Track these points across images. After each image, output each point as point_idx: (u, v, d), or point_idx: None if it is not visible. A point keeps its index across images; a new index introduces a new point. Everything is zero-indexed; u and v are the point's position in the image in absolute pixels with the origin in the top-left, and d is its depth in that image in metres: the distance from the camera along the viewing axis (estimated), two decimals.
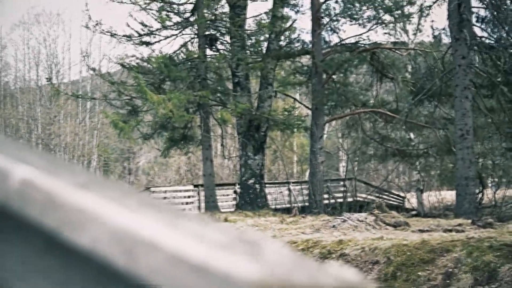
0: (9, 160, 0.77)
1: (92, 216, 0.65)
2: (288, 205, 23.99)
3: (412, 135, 26.61)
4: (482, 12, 20.36)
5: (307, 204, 22.48)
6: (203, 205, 22.19)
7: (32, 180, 0.73)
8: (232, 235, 0.62)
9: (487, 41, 20.22)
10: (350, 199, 25.03)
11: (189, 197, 23.99)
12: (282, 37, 22.96)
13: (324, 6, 22.84)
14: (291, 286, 0.54)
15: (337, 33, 23.47)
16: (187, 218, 0.67)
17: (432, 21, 32.19)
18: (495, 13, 18.78)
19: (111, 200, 0.68)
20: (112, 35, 21.97)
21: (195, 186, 24.65)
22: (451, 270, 7.65)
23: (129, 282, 0.62)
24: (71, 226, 0.67)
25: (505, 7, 19.03)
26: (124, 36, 21.79)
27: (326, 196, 22.82)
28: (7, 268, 0.83)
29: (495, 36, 20.07)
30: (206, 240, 0.59)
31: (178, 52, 22.33)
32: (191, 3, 21.96)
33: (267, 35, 22.40)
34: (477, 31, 19.86)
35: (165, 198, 23.35)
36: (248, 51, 22.31)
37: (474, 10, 19.54)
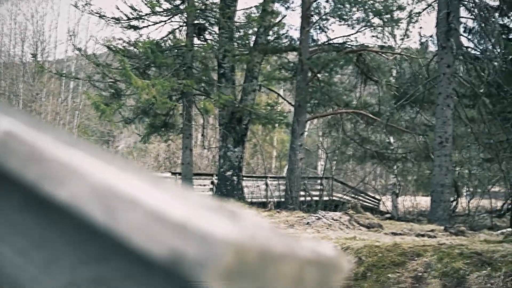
0: None
1: (73, 171, 0.66)
2: (264, 200, 24.04)
3: (391, 139, 26.76)
4: (470, 23, 20.56)
5: (283, 199, 22.55)
6: None
7: (16, 132, 0.73)
8: (213, 202, 0.65)
9: (473, 51, 20.40)
10: (326, 198, 25.15)
11: None
12: (271, 32, 22.99)
13: (314, 4, 22.92)
14: (268, 252, 0.56)
15: (325, 32, 23.59)
16: (168, 182, 0.69)
17: (420, 27, 32.32)
18: (483, 24, 18.95)
19: (93, 157, 0.70)
20: (101, 16, 21.83)
21: (173, 174, 24.61)
22: (420, 274, 7.73)
23: (108, 238, 0.64)
24: (51, 180, 0.68)
25: (493, 19, 19.19)
26: (112, 18, 21.65)
27: (302, 193, 22.89)
28: None
29: (481, 48, 20.25)
30: (186, 201, 0.61)
31: (165, 38, 22.25)
32: None
33: (255, 29, 22.39)
34: (464, 41, 20.05)
35: None
36: (235, 43, 22.29)
37: (462, 20, 19.74)
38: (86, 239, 0.71)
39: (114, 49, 21.50)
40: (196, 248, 0.54)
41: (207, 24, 22.25)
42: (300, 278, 0.59)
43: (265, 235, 0.58)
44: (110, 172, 0.64)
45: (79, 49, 24.96)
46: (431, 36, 22.82)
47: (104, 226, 0.62)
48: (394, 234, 10.70)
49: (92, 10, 21.80)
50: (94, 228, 0.63)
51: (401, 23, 23.27)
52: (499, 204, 25.34)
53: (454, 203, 23.08)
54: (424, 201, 27.64)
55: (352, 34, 23.00)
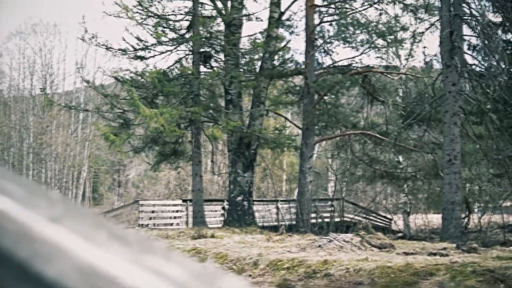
0: None
1: (61, 250, 0.71)
2: (275, 223, 24.08)
3: (400, 158, 26.81)
4: (474, 41, 20.66)
5: (294, 222, 22.56)
6: (191, 220, 22.25)
7: (8, 211, 0.76)
8: (194, 272, 0.74)
9: (478, 69, 20.50)
10: (337, 219, 25.14)
11: (177, 211, 24.04)
12: (276, 57, 23.15)
13: (318, 28, 23.11)
14: None
15: (330, 55, 23.76)
16: (152, 252, 0.77)
17: (424, 47, 32.66)
18: (486, 41, 19.04)
19: (81, 234, 0.78)
20: (108, 48, 22.09)
21: (184, 201, 24.68)
22: None
23: None
24: (40, 258, 0.71)
25: (496, 36, 19.30)
26: (119, 49, 21.91)
27: (313, 215, 22.90)
28: None
29: (485, 64, 20.33)
30: (166, 277, 0.71)
31: (172, 67, 22.50)
32: (186, 20, 22.17)
33: (261, 54, 22.57)
34: (468, 58, 20.17)
35: (153, 212, 23.41)
36: (241, 69, 22.48)
37: (465, 38, 19.85)
38: None
39: (121, 79, 21.72)
40: None
41: (212, 52, 22.48)
42: None
43: None
44: (95, 250, 0.73)
45: (87, 81, 25.25)
46: (435, 55, 22.91)
47: None
48: (406, 253, 10.73)
49: (99, 43, 22.09)
50: None
51: (405, 43, 23.41)
52: (511, 219, 25.28)
53: (465, 220, 23.07)
54: (435, 219, 27.58)
55: (357, 56, 23.07)
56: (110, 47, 22.06)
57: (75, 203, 0.97)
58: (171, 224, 22.96)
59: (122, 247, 0.74)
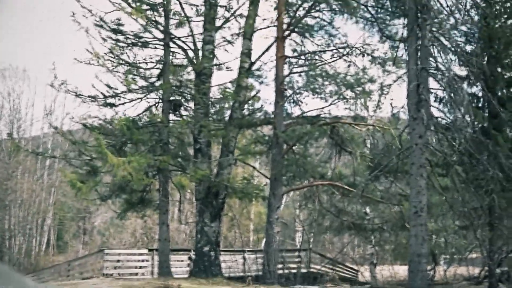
0: None
1: None
2: (242, 274, 23.90)
3: (368, 210, 26.95)
4: (440, 93, 21.04)
5: (261, 273, 22.39)
6: (156, 269, 21.98)
7: None
8: None
9: (444, 121, 20.77)
10: (304, 270, 25.05)
11: (143, 261, 23.77)
12: (246, 106, 23.29)
13: (288, 79, 23.32)
14: None
15: (299, 105, 23.89)
16: None
17: (392, 99, 33.06)
18: (452, 95, 19.36)
19: None
20: (77, 95, 21.96)
21: (150, 250, 24.43)
22: None
23: None
24: None
25: (462, 89, 19.65)
26: (89, 96, 21.80)
27: (280, 266, 22.79)
28: None
29: (451, 117, 20.61)
30: None
31: (141, 115, 22.45)
32: (157, 68, 22.23)
33: (231, 103, 22.67)
34: (434, 111, 20.41)
35: (119, 261, 23.10)
36: (211, 118, 22.54)
37: (432, 91, 20.15)
38: None
39: (90, 126, 21.59)
40: None
41: (182, 100, 22.52)
42: None
43: None
44: None
45: (56, 127, 25.11)
46: (402, 107, 23.12)
47: None
48: None
49: (68, 89, 21.95)
50: None
51: (373, 95, 23.67)
52: (476, 271, 25.42)
53: (432, 272, 23.12)
54: (402, 270, 27.63)
55: (326, 107, 23.21)
56: (80, 94, 21.95)
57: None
58: (137, 274, 22.67)
59: None
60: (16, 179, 45.80)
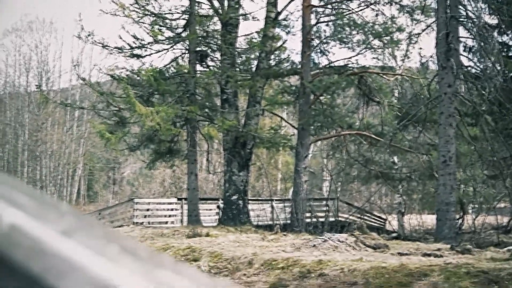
0: (0, 203, 0.81)
1: (74, 265, 0.72)
2: (270, 222, 24.08)
3: (395, 159, 26.88)
4: (470, 42, 20.72)
5: (289, 222, 22.59)
6: (185, 218, 22.24)
7: (20, 225, 0.77)
8: (205, 286, 0.75)
9: (473, 70, 20.53)
10: (332, 219, 25.16)
11: (172, 209, 24.04)
12: (272, 57, 23.17)
13: (314, 28, 23.12)
14: None
15: (326, 55, 23.73)
16: (163, 266, 0.78)
17: (420, 48, 32.66)
18: (482, 43, 19.10)
19: (93, 249, 0.75)
20: (104, 46, 22.05)
21: (179, 199, 24.69)
22: None
23: None
24: (54, 273, 0.72)
25: (492, 38, 19.36)
26: (115, 47, 21.88)
27: (308, 215, 22.93)
28: None
29: (481, 66, 20.37)
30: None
31: (168, 66, 22.48)
32: (183, 19, 22.15)
33: (257, 54, 22.59)
34: (464, 60, 20.20)
35: (148, 210, 23.39)
36: (237, 69, 22.49)
37: (461, 40, 19.87)
38: None
39: (117, 77, 21.70)
40: None
41: (209, 51, 22.47)
42: None
43: None
44: (107, 264, 0.74)
45: (83, 79, 25.22)
46: (431, 57, 22.97)
47: None
48: (401, 254, 10.76)
49: (95, 41, 22.05)
50: None
51: (401, 44, 23.43)
52: (505, 220, 25.37)
53: (460, 221, 23.13)
54: (430, 219, 27.64)
55: (353, 57, 23.04)
56: (106, 45, 22.03)
57: (85, 216, 0.98)
58: (166, 223, 22.95)
59: (134, 262, 0.75)
60: (46, 130, 46.34)
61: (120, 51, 21.83)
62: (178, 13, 22.22)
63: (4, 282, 0.79)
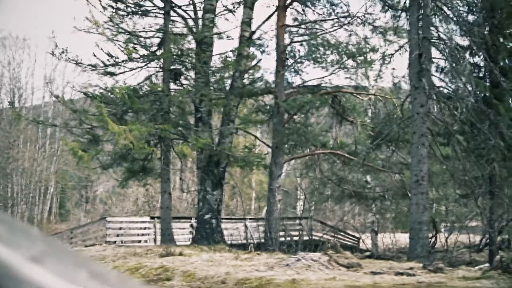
0: None
1: None
2: (244, 241, 24.06)
3: (369, 178, 27.01)
4: (442, 63, 20.96)
5: (263, 241, 22.56)
6: (159, 237, 22.12)
7: None
8: None
9: (445, 91, 20.73)
10: (305, 238, 25.20)
11: (145, 228, 23.91)
12: (246, 76, 23.22)
13: (289, 48, 23.23)
14: None
15: (301, 74, 23.85)
16: None
17: (393, 68, 33.00)
18: (454, 64, 19.31)
19: (62, 275, 0.79)
20: (77, 63, 21.98)
21: (152, 218, 24.58)
22: None
23: None
24: None
25: (463, 59, 19.60)
26: (89, 65, 21.80)
27: (282, 233, 22.93)
28: None
29: (453, 87, 20.59)
30: None
31: (142, 84, 22.43)
32: (158, 37, 22.16)
33: (231, 73, 22.62)
34: (436, 81, 20.38)
35: (121, 228, 23.23)
36: (212, 87, 22.51)
37: (434, 60, 20.10)
38: None
39: (91, 95, 21.60)
40: None
41: (183, 69, 22.47)
42: None
43: None
44: None
45: (56, 96, 25.13)
46: (404, 77, 23.16)
47: None
48: (374, 273, 10.78)
49: (68, 58, 21.97)
50: None
51: (374, 64, 23.67)
52: (477, 239, 25.57)
53: (432, 240, 23.26)
54: (403, 238, 27.78)
55: (327, 76, 23.18)
56: (80, 63, 21.96)
57: (55, 241, 0.97)
58: (139, 241, 22.82)
59: (103, 287, 0.74)
60: (17, 147, 45.87)
61: (93, 68, 21.75)
62: (152, 31, 22.25)
63: None
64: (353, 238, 32.18)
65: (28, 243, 0.79)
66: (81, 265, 0.78)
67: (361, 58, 22.73)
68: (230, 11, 23.30)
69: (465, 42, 21.49)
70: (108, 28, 21.29)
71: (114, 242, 21.72)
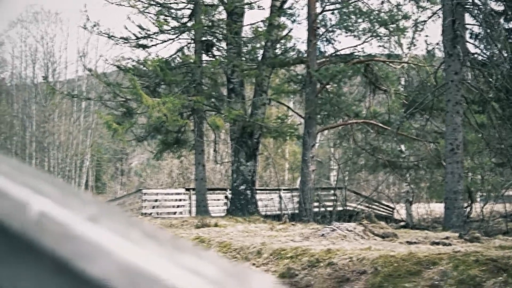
0: (28, 191, 0.83)
1: (101, 249, 0.73)
2: (278, 212, 24.10)
3: (403, 147, 26.80)
4: (476, 29, 20.60)
5: (297, 211, 22.58)
6: (194, 209, 22.27)
7: (49, 212, 0.78)
8: (226, 269, 0.76)
9: (480, 57, 20.44)
10: (339, 208, 25.15)
11: (180, 200, 24.08)
12: (278, 46, 23.11)
13: (320, 17, 23.03)
14: None
15: (333, 44, 23.68)
16: (184, 250, 0.79)
17: (427, 36, 32.45)
18: (488, 30, 19.00)
19: (119, 233, 0.76)
20: (110, 36, 22.07)
21: (187, 189, 24.71)
22: (437, 283, 7.78)
23: None
24: (82, 257, 0.73)
25: (498, 25, 19.25)
26: (121, 38, 21.88)
27: (316, 204, 22.92)
28: None
29: (487, 53, 20.28)
30: (202, 275, 0.73)
31: (174, 56, 22.46)
32: (188, 8, 22.10)
33: (263, 43, 22.53)
34: (470, 47, 20.08)
35: (156, 200, 23.43)
36: (243, 58, 22.44)
37: (468, 27, 19.78)
38: None
39: (123, 68, 21.71)
40: None
41: (215, 40, 22.43)
42: None
43: None
44: (134, 250, 0.74)
45: (90, 69, 25.30)
46: (437, 44, 22.85)
47: None
48: (409, 243, 10.74)
49: (100, 31, 22.07)
50: None
51: (407, 32, 23.34)
52: None
53: (468, 209, 23.07)
54: (438, 208, 27.58)
55: (359, 45, 22.95)
56: (112, 36, 22.05)
57: (107, 204, 1.00)
58: (174, 213, 23.00)
59: (157, 245, 0.76)
60: (53, 121, 46.43)
61: (126, 41, 21.84)
62: (183, 2, 22.18)
63: (34, 267, 0.82)
64: (388, 208, 32.06)
65: (83, 205, 0.82)
66: (134, 225, 0.80)
67: (394, 25, 22.42)
68: None
69: (499, 7, 21.09)
70: (139, 0, 21.32)
71: (150, 214, 21.94)
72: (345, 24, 22.65)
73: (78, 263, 0.74)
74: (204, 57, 22.11)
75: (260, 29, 22.40)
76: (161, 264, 0.72)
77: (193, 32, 21.65)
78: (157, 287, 0.68)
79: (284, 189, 27.70)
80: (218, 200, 24.50)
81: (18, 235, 0.81)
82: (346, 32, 22.93)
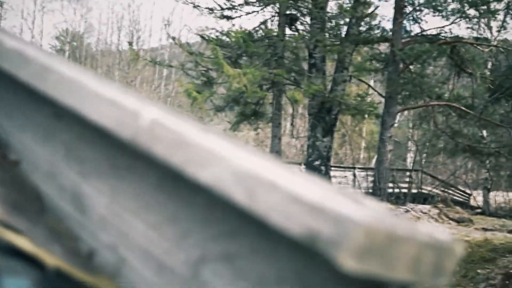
0: (140, 102, 0.86)
1: (216, 155, 0.73)
2: (352, 190, 23.98)
3: (485, 133, 26.16)
4: None
5: (371, 191, 22.45)
6: None
7: (161, 120, 0.81)
8: (340, 188, 0.74)
9: None
10: (414, 190, 24.85)
11: None
12: (363, 23, 22.81)
13: None
14: (394, 234, 0.63)
15: (419, 23, 23.18)
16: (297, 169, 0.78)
17: None
18: None
19: (234, 142, 0.78)
20: (195, 6, 22.24)
21: None
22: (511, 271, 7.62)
23: (247, 218, 0.71)
24: (195, 163, 0.75)
25: None
26: (206, 8, 22.05)
27: (390, 185, 22.70)
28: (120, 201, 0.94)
29: None
30: (319, 185, 0.71)
31: (257, 28, 22.46)
32: None
33: (347, 19, 22.27)
34: None
35: None
36: (327, 34, 22.26)
37: None
38: (218, 217, 0.80)
39: (207, 38, 21.87)
40: (331, 228, 0.62)
41: (299, 15, 22.30)
42: (419, 259, 0.66)
43: (389, 219, 0.65)
44: (248, 157, 0.74)
45: (173, 38, 25.48)
46: None
47: (245, 207, 0.70)
48: (485, 229, 10.54)
49: (186, 1, 22.25)
50: (235, 208, 0.72)
51: (498, 14, 22.62)
52: None
53: None
54: None
55: (447, 26, 22.41)
56: (198, 5, 22.21)
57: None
58: None
59: (273, 157, 0.76)
60: (135, 87, 47.38)
61: (210, 11, 21.97)
62: None
63: (146, 175, 0.88)
64: (464, 194, 31.43)
65: (195, 121, 0.86)
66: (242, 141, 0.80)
67: (484, 7, 21.75)
68: None
69: None
70: None
71: None
72: (433, 4, 22.14)
73: (190, 170, 0.76)
74: (287, 31, 22.07)
75: (345, 6, 22.15)
76: (277, 171, 0.71)
77: (277, 5, 21.59)
78: (276, 192, 0.67)
79: (359, 168, 27.54)
80: None
81: (130, 143, 0.84)
82: (434, 12, 22.42)
